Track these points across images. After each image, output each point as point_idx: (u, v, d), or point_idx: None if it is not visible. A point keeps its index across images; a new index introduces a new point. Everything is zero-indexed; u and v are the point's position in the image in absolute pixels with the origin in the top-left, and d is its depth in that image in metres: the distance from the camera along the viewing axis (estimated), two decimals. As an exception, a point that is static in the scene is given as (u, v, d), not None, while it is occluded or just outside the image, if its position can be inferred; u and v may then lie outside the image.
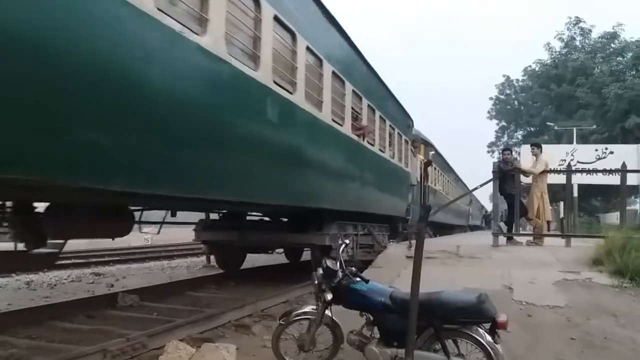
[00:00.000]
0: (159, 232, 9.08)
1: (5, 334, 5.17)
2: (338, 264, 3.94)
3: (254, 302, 6.76)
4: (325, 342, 4.14)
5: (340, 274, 3.90)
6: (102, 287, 8.83)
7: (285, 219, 10.08)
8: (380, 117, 11.54)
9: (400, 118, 14.16)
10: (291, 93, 6.91)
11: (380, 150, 11.46)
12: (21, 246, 5.62)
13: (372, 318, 3.84)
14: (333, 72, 8.47)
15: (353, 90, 9.53)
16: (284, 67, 6.80)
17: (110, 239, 7.78)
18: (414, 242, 9.39)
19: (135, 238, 14.73)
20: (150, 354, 4.61)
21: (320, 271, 3.97)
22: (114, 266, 12.51)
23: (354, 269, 4.06)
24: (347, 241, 4.31)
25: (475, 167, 46.11)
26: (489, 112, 45.46)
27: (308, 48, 7.43)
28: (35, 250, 5.68)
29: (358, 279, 3.92)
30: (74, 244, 13.87)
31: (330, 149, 8.57)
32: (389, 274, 6.70)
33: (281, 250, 12.09)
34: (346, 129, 9.14)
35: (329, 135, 8.43)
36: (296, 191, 7.42)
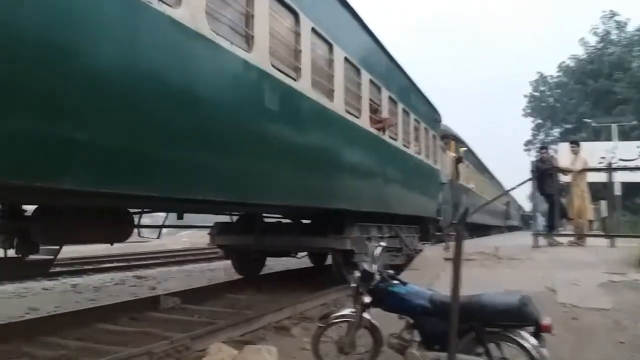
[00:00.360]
0: (159, 237, 8.57)
1: (55, 335, 5.37)
2: (375, 266, 3.94)
3: (293, 304, 6.80)
4: (365, 345, 4.15)
5: (377, 276, 3.90)
6: (144, 290, 9.06)
7: (308, 221, 9.56)
8: (404, 110, 10.99)
9: (427, 112, 13.52)
10: (295, 80, 6.35)
11: (404, 145, 10.96)
12: (12, 253, 5.34)
13: (411, 321, 3.83)
14: (346, 59, 7.83)
15: (370, 80, 8.90)
16: (285, 50, 6.25)
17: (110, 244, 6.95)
18: (449, 243, 9.30)
19: (174, 241, 15.03)
20: (193, 355, 4.69)
21: (357, 274, 3.98)
22: (155, 269, 12.79)
23: (392, 271, 4.07)
24: (383, 244, 4.30)
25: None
26: (523, 109, 44.73)
27: (314, 30, 6.81)
28: (31, 257, 5.41)
29: (396, 281, 3.92)
30: (115, 248, 14.39)
31: (345, 143, 7.96)
32: (427, 276, 6.65)
33: (305, 253, 11.40)
34: (363, 121, 8.56)
35: (343, 127, 7.85)
36: (306, 190, 6.83)
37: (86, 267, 12.08)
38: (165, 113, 4.26)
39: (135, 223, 6.36)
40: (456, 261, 3.44)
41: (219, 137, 5.02)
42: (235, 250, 9.71)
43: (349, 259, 8.30)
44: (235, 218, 9.59)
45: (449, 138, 16.77)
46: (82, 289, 9.05)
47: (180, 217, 7.82)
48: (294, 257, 10.76)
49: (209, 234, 9.53)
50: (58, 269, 11.08)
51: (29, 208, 5.28)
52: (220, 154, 5.07)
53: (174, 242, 23.52)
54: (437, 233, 13.87)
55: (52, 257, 5.79)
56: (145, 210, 6.81)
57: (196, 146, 4.72)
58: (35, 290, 8.81)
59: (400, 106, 10.76)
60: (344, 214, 8.32)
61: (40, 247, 5.45)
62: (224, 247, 9.83)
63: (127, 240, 6.95)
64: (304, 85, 6.54)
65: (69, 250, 12.07)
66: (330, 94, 7.37)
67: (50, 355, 4.73)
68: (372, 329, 4.07)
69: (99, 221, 5.39)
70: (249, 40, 5.44)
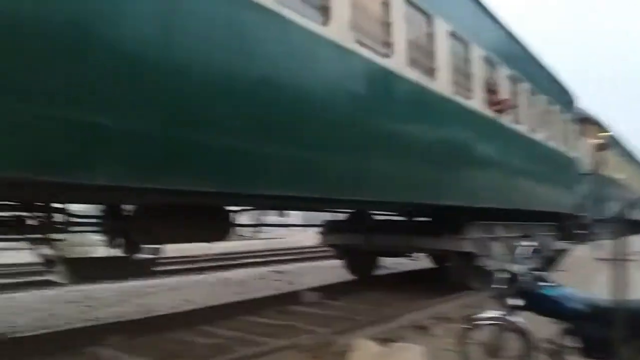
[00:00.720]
0: (254, 237, 8.43)
1: (210, 325, 5.86)
2: (522, 267, 3.78)
3: (432, 304, 6.73)
4: (514, 349, 3.99)
5: (526, 278, 3.73)
6: (284, 284, 9.54)
7: (427, 219, 8.86)
8: (527, 90, 9.81)
9: (557, 92, 11.97)
10: (387, 57, 5.68)
11: (530, 130, 9.80)
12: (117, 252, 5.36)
13: (566, 326, 3.61)
14: (450, 32, 6.98)
15: (483, 57, 7.95)
16: (372, 23, 5.55)
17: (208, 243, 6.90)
18: (600, 243, 8.52)
19: (306, 237, 15.56)
20: (336, 350, 4.83)
21: (504, 275, 3.84)
22: (292, 264, 13.32)
23: (543, 273, 3.87)
24: (535, 243, 4.08)
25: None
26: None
27: (408, 0, 6.10)
28: (136, 256, 5.36)
29: (548, 283, 3.72)
30: (253, 245, 15.31)
31: (454, 128, 7.13)
32: (579, 278, 6.20)
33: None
34: (476, 103, 7.62)
35: (451, 110, 6.99)
36: (407, 184, 6.15)
37: (230, 262, 12.93)
38: (225, 105, 3.88)
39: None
40: (618, 262, 3.20)
41: (298, 128, 4.55)
42: (347, 249, 9.46)
43: (470, 262, 7.72)
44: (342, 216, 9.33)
45: (588, 122, 14.89)
46: (229, 283, 9.74)
47: (282, 215, 7.66)
48: (408, 257, 10.30)
49: (320, 233, 9.43)
50: (206, 264, 12.09)
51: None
52: (296, 143, 4.57)
53: (306, 239, 24.37)
54: (579, 231, 12.60)
55: (155, 256, 5.75)
56: (245, 208, 6.72)
57: (277, 139, 4.36)
58: (187, 283, 9.65)
59: (523, 86, 9.61)
60: (461, 211, 7.61)
61: (144, 246, 5.40)
62: (335, 247, 9.61)
63: (267, 237, 7.21)
64: (397, 63, 5.84)
65: (214, 247, 13.07)
66: (430, 72, 6.59)
67: (208, 343, 5.17)
68: (522, 333, 3.89)
69: (196, 220, 5.30)
70: (325, 11, 4.78)
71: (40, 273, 7.69)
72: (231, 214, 6.00)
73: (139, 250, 5.31)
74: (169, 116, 3.46)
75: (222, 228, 5.73)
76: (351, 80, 5.14)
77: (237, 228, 6.72)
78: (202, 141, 3.70)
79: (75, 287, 7.71)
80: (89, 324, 5.86)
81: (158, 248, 5.59)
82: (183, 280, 9.90)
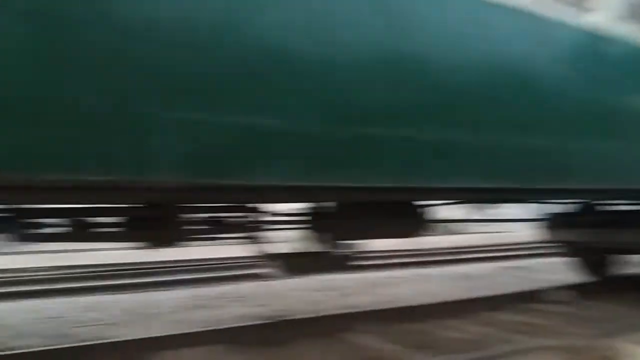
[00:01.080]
0: (445, 234, 7.53)
1: (452, 319, 5.91)
2: None
3: None
4: None
5: None
6: (519, 280, 9.11)
7: None
8: None
9: None
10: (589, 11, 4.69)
11: None
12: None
13: None
14: None
15: None
16: None
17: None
18: None
19: (529, 233, 14.51)
20: (599, 355, 4.47)
21: None
22: (530, 260, 12.59)
23: None
24: None
25: None
26: None
27: None
28: (334, 251, 5.37)
29: None
30: (486, 238, 14.61)
31: None
32: None
33: None
34: None
35: None
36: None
37: (464, 256, 12.90)
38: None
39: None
40: None
41: (488, 112, 4.10)
42: (578, 246, 8.31)
43: None
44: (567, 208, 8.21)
45: None
46: (471, 278, 9.68)
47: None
48: None
49: (546, 227, 8.40)
50: (440, 258, 12.27)
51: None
52: (487, 129, 4.12)
53: (531, 234, 22.63)
54: None
55: (350, 251, 5.68)
56: (437, 202, 6.18)
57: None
58: (430, 275, 9.92)
59: None
60: None
61: (339, 242, 5.45)
62: (565, 243, 8.52)
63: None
64: (604, 18, 4.80)
65: (449, 240, 13.05)
66: None
67: (455, 337, 5.23)
68: None
69: (387, 216, 5.19)
70: None
71: (254, 266, 8.56)
72: (424, 209, 5.70)
73: (336, 246, 5.43)
74: (344, 114, 3.40)
75: (414, 223, 5.54)
76: (544, 47, 4.36)
77: (442, 223, 6.49)
78: (383, 137, 3.55)
79: (315, 277, 8.34)
80: (337, 311, 6.27)
81: (355, 244, 5.62)
82: (415, 273, 10.19)
